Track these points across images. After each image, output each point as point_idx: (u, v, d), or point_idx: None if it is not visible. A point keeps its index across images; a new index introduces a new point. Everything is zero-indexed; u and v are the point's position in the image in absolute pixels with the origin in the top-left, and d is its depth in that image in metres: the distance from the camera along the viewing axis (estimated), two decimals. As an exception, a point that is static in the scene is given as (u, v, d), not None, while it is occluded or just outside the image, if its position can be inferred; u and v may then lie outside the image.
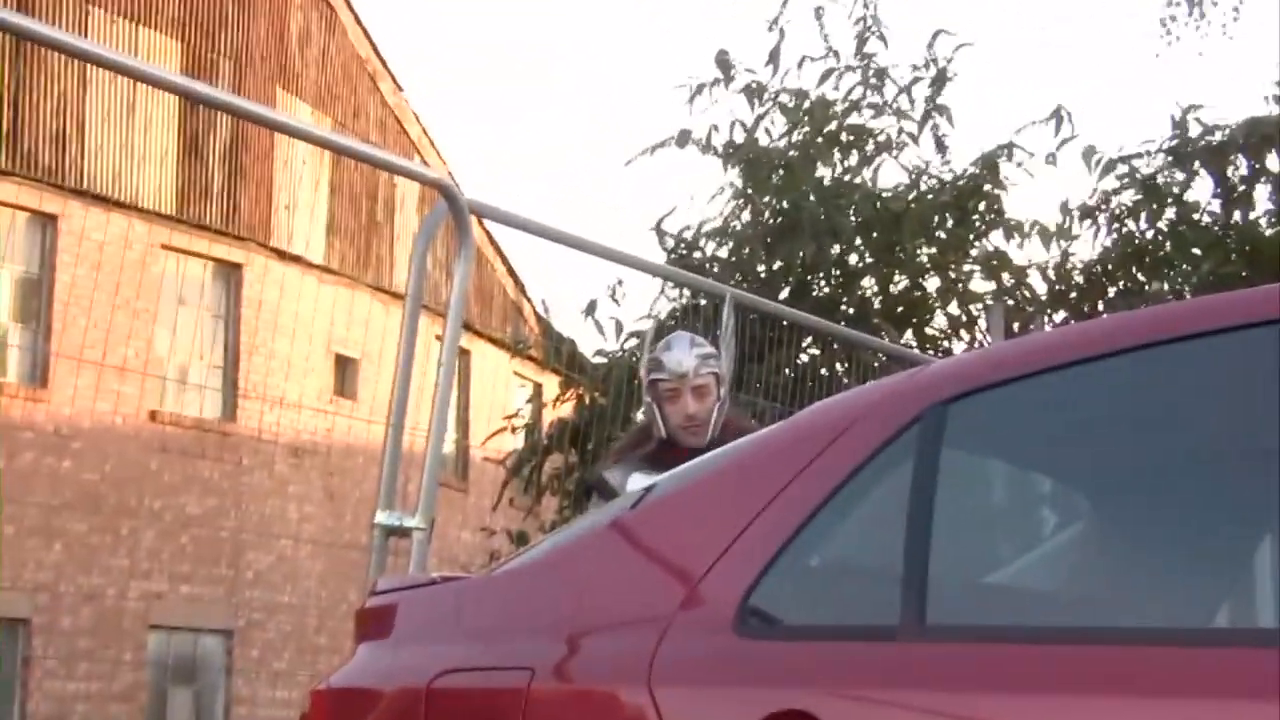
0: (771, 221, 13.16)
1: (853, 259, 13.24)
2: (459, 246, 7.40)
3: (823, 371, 12.22)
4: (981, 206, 13.27)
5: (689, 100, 13.52)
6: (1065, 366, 3.60)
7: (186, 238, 24.96)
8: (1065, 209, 13.09)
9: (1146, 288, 12.59)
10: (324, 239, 27.03)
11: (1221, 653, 3.14)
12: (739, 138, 13.47)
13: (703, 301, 12.58)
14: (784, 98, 13.53)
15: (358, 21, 28.06)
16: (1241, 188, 12.98)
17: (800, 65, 13.63)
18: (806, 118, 13.46)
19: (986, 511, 4.02)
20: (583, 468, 12.57)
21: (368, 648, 4.33)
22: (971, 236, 13.35)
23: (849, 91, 13.58)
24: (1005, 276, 13.08)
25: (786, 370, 11.92)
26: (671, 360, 6.71)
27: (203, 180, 25.33)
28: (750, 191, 13.37)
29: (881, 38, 13.65)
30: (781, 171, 13.25)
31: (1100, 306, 12.78)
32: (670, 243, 13.32)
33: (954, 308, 13.36)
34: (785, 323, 11.59)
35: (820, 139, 13.43)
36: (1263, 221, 12.90)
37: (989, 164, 13.22)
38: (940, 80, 13.49)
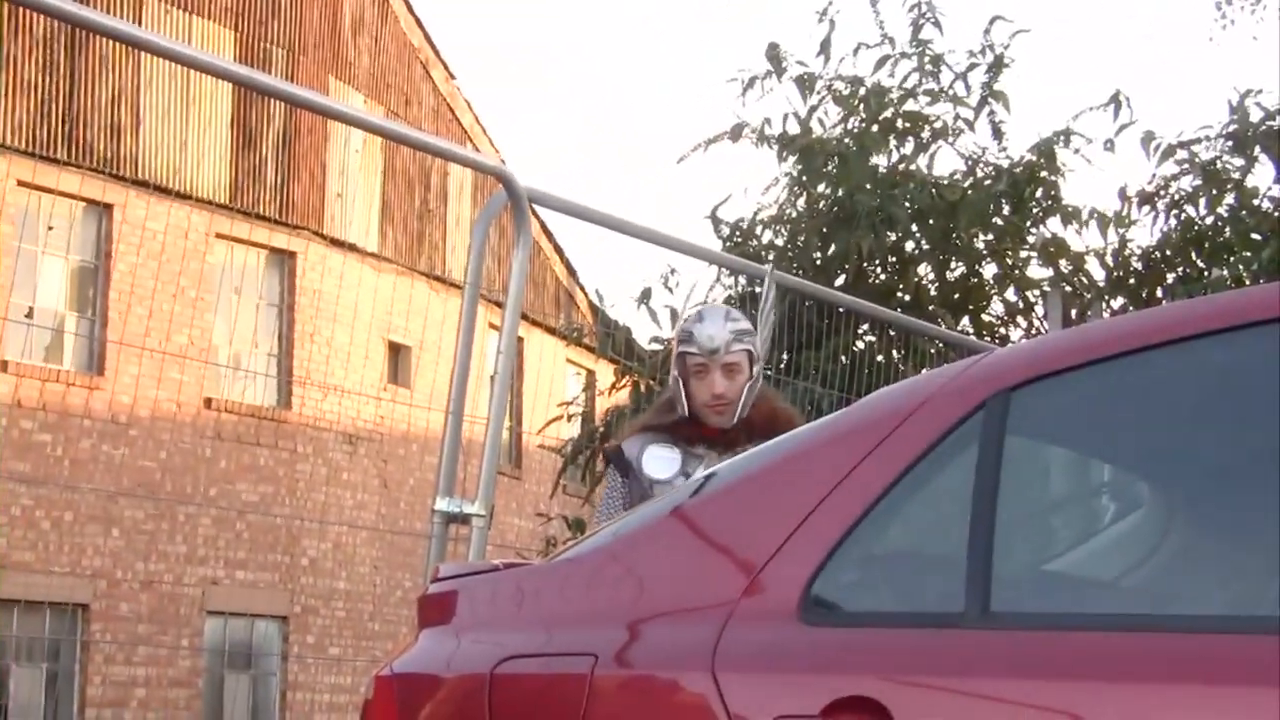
0: (827, 210, 13.16)
1: (908, 246, 13.24)
2: (517, 235, 7.42)
3: (878, 359, 12.20)
4: (1039, 193, 13.24)
5: (741, 93, 13.53)
6: (1129, 354, 3.57)
7: (241, 226, 25.05)
8: (1123, 195, 13.07)
9: (1206, 274, 12.55)
10: (377, 226, 27.09)
11: None
12: (793, 128, 13.47)
13: (758, 289, 12.61)
14: (838, 85, 13.52)
15: (409, 9, 28.11)
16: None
17: (855, 52, 13.62)
18: (861, 106, 13.45)
19: (1050, 499, 4.00)
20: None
21: (430, 634, 4.32)
22: (1028, 223, 13.33)
23: (904, 79, 13.57)
24: (1063, 263, 13.05)
25: (842, 357, 11.94)
26: (702, 333, 6.27)
27: (257, 169, 25.40)
28: (805, 180, 13.38)
29: (937, 24, 13.64)
30: (836, 160, 13.24)
31: (1159, 293, 12.76)
32: (725, 231, 13.34)
33: (1011, 294, 13.37)
34: (841, 310, 11.60)
35: (875, 127, 13.42)
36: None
37: (1046, 150, 13.20)
38: (997, 66, 13.46)
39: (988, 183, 13.28)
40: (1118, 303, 12.91)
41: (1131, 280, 12.99)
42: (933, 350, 11.67)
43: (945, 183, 13.31)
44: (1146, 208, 13.08)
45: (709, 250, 11.69)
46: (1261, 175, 13.04)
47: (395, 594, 25.88)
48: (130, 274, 23.46)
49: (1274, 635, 3.09)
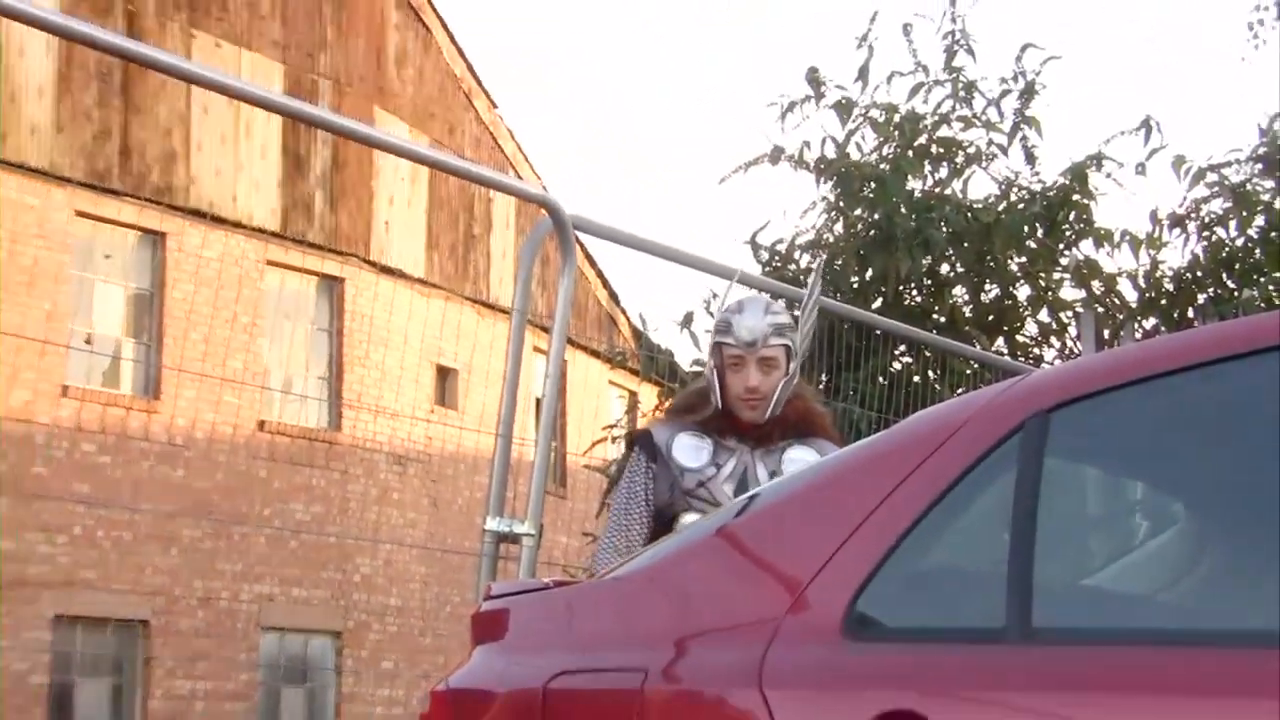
0: (864, 234, 13.17)
1: (944, 269, 13.24)
2: (563, 262, 7.46)
3: (915, 379, 12.20)
4: (1071, 216, 13.24)
5: (780, 117, 13.54)
6: (1165, 375, 3.56)
7: (291, 254, 25.14)
8: (1155, 217, 13.07)
9: (1237, 294, 12.54)
10: (423, 253, 27.16)
11: None
12: (830, 153, 13.48)
13: (795, 312, 12.61)
14: (874, 113, 13.53)
15: (452, 40, 28.18)
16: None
17: (889, 80, 13.64)
18: (897, 132, 13.46)
19: (1088, 517, 4.01)
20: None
21: (484, 650, 4.37)
22: (1061, 246, 13.33)
23: (938, 105, 13.58)
24: (1095, 284, 13.05)
25: (880, 378, 11.94)
26: (742, 325, 5.97)
27: (305, 198, 25.49)
28: (842, 205, 13.38)
29: (970, 51, 13.65)
30: (873, 185, 13.24)
31: (1190, 313, 12.75)
32: (765, 255, 13.35)
33: (1044, 315, 13.36)
34: (878, 332, 11.62)
35: (911, 152, 13.43)
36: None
37: (1078, 174, 13.21)
38: (1029, 92, 13.47)
39: (1021, 206, 13.29)
40: (1150, 323, 12.91)
41: (1163, 301, 12.99)
42: (968, 371, 11.68)
43: (980, 206, 13.32)
44: (1178, 230, 13.08)
45: (751, 275, 11.73)
46: (1291, 197, 13.05)
47: (445, 609, 25.90)
48: (185, 301, 23.53)
49: None
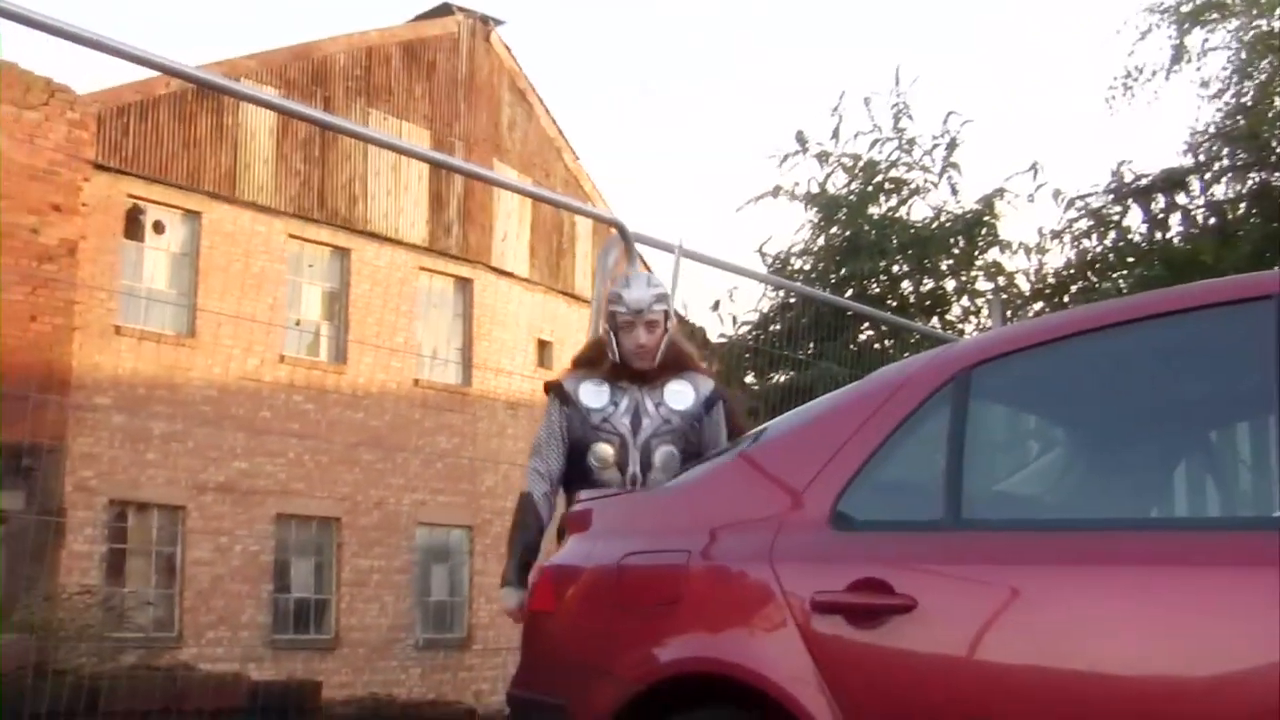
0: (839, 245, 13.21)
1: (895, 269, 13.28)
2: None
3: (875, 346, 12.26)
4: (983, 231, 13.27)
5: (779, 165, 13.61)
6: (1048, 343, 3.64)
7: (435, 262, 25.18)
8: (1040, 232, 13.13)
9: (1097, 286, 12.56)
10: (527, 260, 27.11)
11: (1163, 534, 3.24)
12: (814, 189, 13.54)
13: (791, 299, 12.71)
14: (845, 160, 13.59)
15: (547, 112, 28.10)
16: (1161, 216, 12.95)
17: (855, 137, 13.71)
18: (860, 174, 13.51)
19: (998, 442, 4.05)
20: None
21: (575, 539, 4.38)
22: (976, 252, 13.35)
23: (889, 154, 13.62)
24: (1000, 279, 13.08)
25: (852, 346, 11.99)
26: (630, 296, 5.45)
27: (445, 223, 25.48)
28: (823, 225, 13.44)
29: (910, 117, 13.69)
30: (845, 211, 13.29)
31: (1066, 299, 12.77)
32: (769, 260, 13.42)
33: (965, 301, 13.39)
34: (849, 313, 11.68)
35: (870, 187, 13.47)
36: (1176, 240, 12.86)
37: (988, 202, 13.23)
38: (952, 145, 13.50)
39: (948, 224, 13.29)
40: (1038, 306, 12.93)
41: (1047, 291, 13.00)
42: (913, 340, 11.72)
43: (919, 225, 13.34)
44: (1056, 240, 13.11)
45: (759, 273, 11.82)
46: (1132, 218, 13.07)
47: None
48: (363, 296, 23.66)
49: (1143, 531, 3.24)
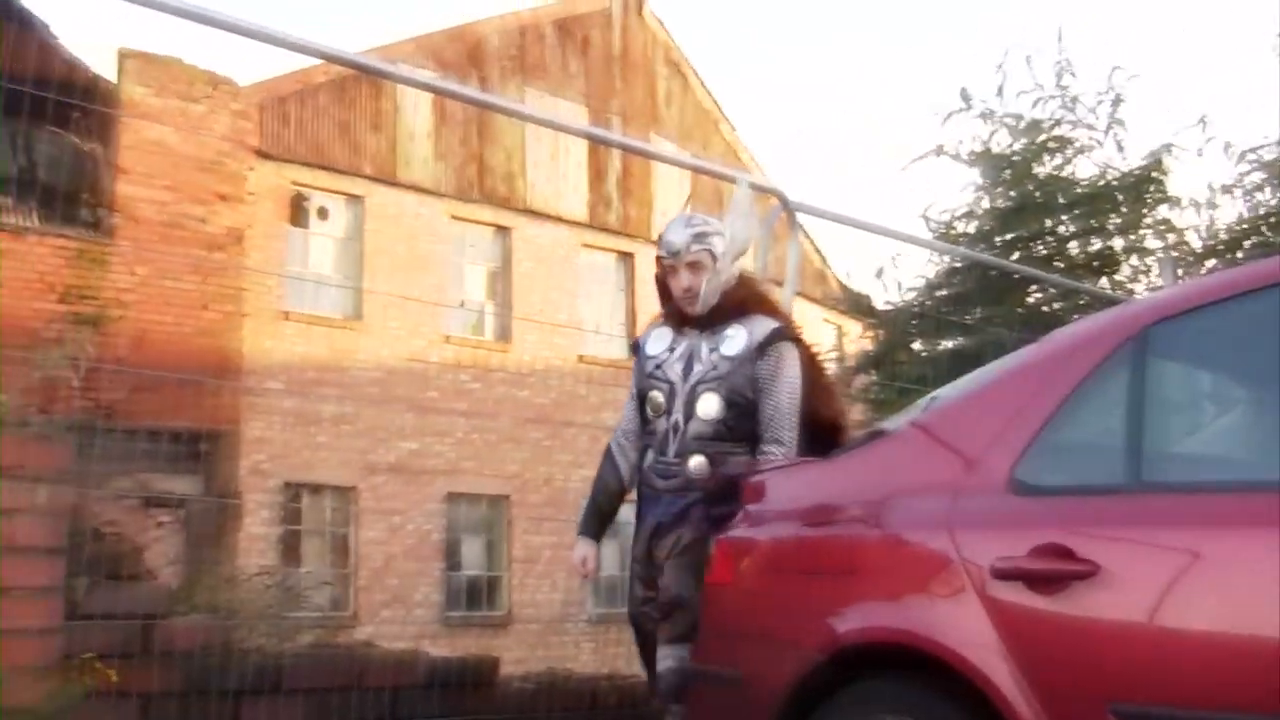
0: (1004, 206, 13.07)
1: (1061, 229, 13.11)
2: (791, 235, 7.56)
3: (1044, 309, 12.12)
4: (1151, 188, 13.04)
5: (941, 123, 13.49)
6: (1222, 301, 3.57)
7: (597, 238, 25.34)
8: (1210, 187, 12.84)
9: (1271, 240, 12.31)
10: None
11: None
12: (977, 149, 13.40)
13: (957, 263, 12.60)
14: (1008, 119, 13.42)
15: (702, 84, 28.14)
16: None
17: (1017, 96, 13.54)
18: (1024, 132, 13.34)
19: (1180, 401, 3.96)
20: (880, 384, 12.67)
21: (750, 509, 4.37)
22: (1144, 209, 13.13)
23: (1052, 112, 13.44)
24: (1170, 237, 12.84)
25: (1019, 309, 11.87)
26: (667, 238, 5.25)
27: (605, 198, 25.63)
28: (987, 186, 13.29)
29: (1073, 74, 13.47)
30: (1009, 171, 13.13)
31: (1239, 255, 12.52)
32: (933, 224, 13.32)
33: (1134, 260, 13.18)
34: (1016, 276, 11.55)
35: (1035, 146, 13.30)
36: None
37: (1155, 158, 13.00)
38: (1117, 101, 13.26)
39: (1115, 182, 13.08)
40: (1210, 264, 12.69)
41: (1220, 247, 12.76)
42: (1082, 301, 11.57)
43: (1085, 183, 13.15)
44: (1227, 195, 12.85)
45: (923, 239, 11.74)
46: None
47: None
48: (526, 274, 23.89)
49: None
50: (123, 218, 18.55)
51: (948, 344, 12.24)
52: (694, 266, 5.17)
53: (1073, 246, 13.09)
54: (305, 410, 20.69)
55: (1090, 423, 3.71)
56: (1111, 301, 9.92)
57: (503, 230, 23.89)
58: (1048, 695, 3.30)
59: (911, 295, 12.97)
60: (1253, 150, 12.71)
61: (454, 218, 23.09)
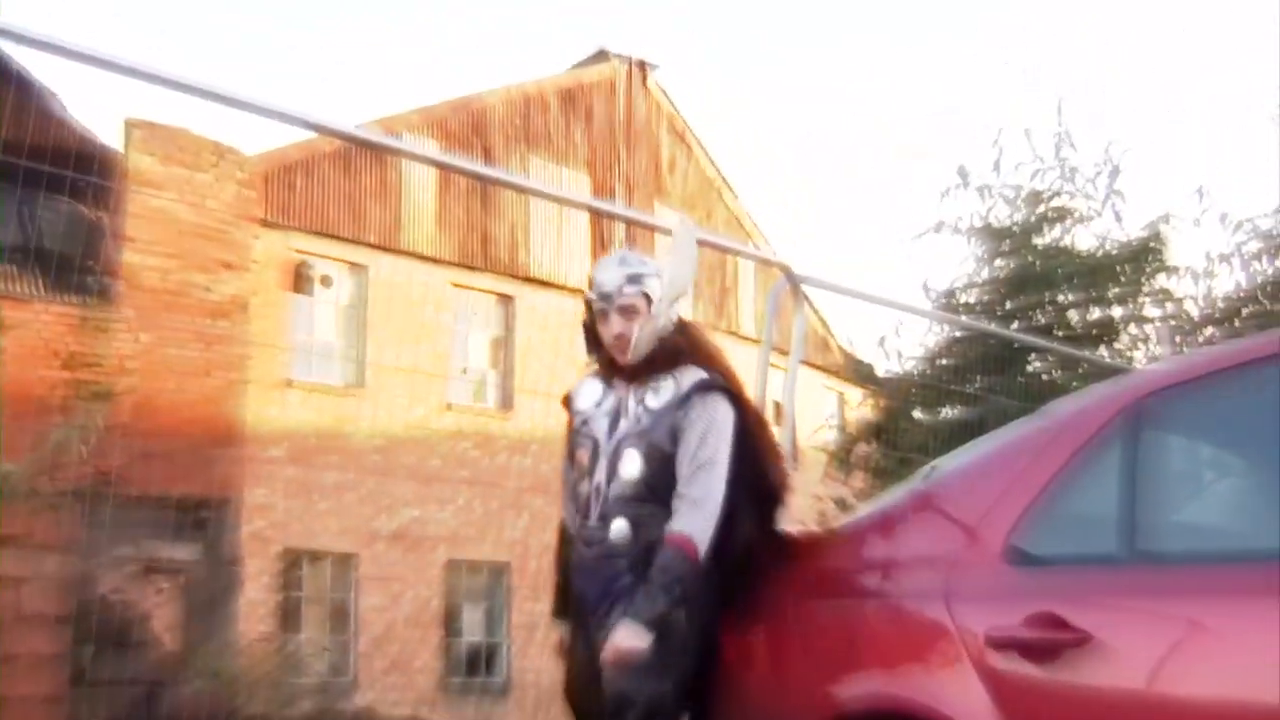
0: (1005, 277, 13.12)
1: (1061, 298, 13.15)
2: (796, 308, 7.59)
3: (1045, 377, 12.14)
4: (1150, 258, 13.10)
5: (941, 199, 13.58)
6: (1220, 372, 3.62)
7: (599, 305, 25.35)
8: (1208, 256, 12.89)
9: (1269, 309, 12.34)
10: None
11: None
12: (976, 223, 13.47)
13: (958, 334, 12.65)
14: (1006, 192, 13.50)
15: (705, 153, 28.25)
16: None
17: (1016, 168, 13.62)
18: (1023, 204, 13.41)
19: (1172, 471, 3.93)
20: (881, 452, 12.69)
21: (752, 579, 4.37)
22: (1143, 279, 13.17)
23: (1051, 184, 13.51)
24: (1169, 306, 12.88)
25: (1020, 378, 11.89)
26: (598, 279, 4.69)
27: (607, 266, 25.68)
28: (987, 257, 13.36)
29: (1072, 145, 13.56)
30: (1009, 242, 13.20)
31: (1237, 324, 12.55)
32: (934, 295, 13.37)
33: (1133, 329, 13.21)
34: (1016, 345, 11.59)
35: (1034, 218, 13.37)
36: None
37: (1153, 228, 13.07)
38: (1115, 172, 13.33)
39: (1115, 252, 13.14)
40: (1209, 332, 12.72)
41: (1217, 316, 12.79)
42: (1081, 370, 11.59)
43: (1085, 253, 13.21)
44: (1225, 264, 12.89)
45: (924, 309, 11.79)
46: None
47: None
48: (527, 342, 23.91)
49: None
50: (127, 285, 18.62)
51: (949, 413, 12.26)
52: (626, 311, 4.62)
53: (1073, 315, 13.14)
54: (307, 477, 20.68)
55: (1086, 493, 3.72)
56: (1111, 370, 9.94)
57: (505, 298, 23.92)
58: (1043, 762, 3.31)
59: (913, 364, 13.01)
60: (1249, 220, 12.79)
61: (456, 285, 23.14)
